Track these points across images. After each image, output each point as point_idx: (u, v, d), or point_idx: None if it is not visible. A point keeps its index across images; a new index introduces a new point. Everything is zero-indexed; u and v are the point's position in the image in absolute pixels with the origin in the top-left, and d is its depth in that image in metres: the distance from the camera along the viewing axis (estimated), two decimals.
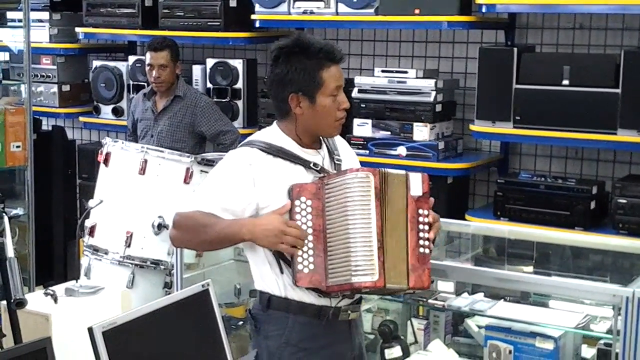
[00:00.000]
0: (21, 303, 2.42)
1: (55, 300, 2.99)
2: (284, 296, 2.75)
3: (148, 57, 5.11)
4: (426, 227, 2.73)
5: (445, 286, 3.58)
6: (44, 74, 6.29)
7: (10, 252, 2.53)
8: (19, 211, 5.40)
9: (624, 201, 4.36)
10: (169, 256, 4.21)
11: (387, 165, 2.90)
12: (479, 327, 3.55)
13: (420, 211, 2.72)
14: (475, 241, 4.13)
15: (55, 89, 6.28)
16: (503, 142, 5.12)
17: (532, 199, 4.61)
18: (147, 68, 5.15)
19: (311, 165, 2.78)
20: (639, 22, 4.76)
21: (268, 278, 2.77)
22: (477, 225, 4.41)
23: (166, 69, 5.06)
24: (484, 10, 4.64)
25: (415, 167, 4.73)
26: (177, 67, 5.13)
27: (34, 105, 5.69)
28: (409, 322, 3.64)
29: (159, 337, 2.39)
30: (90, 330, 2.20)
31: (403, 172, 2.77)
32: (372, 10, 4.97)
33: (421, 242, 2.71)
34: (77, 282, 3.15)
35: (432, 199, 2.78)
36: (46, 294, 3.02)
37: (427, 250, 2.72)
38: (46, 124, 6.48)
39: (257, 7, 5.34)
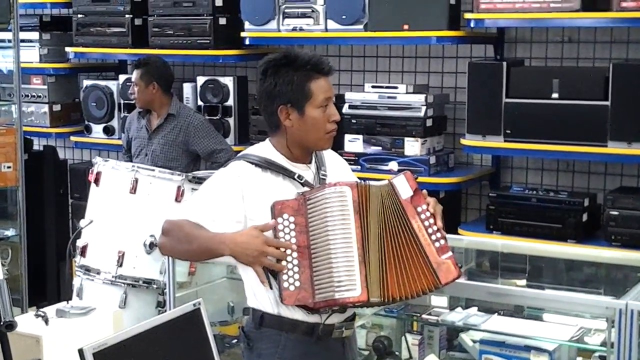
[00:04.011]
0: (11, 325, 2.41)
1: (47, 321, 2.97)
2: (277, 313, 2.74)
3: None
4: (431, 220, 2.69)
5: (439, 301, 3.58)
6: (34, 93, 6.28)
7: (0, 274, 2.51)
8: (11, 232, 5.38)
9: (616, 213, 4.36)
10: (161, 275, 4.20)
11: (380, 181, 2.88)
12: (474, 341, 3.54)
13: (419, 209, 2.70)
14: (468, 255, 4.12)
15: (46, 108, 6.27)
16: (494, 155, 5.13)
17: (525, 212, 4.61)
18: None
19: (295, 177, 2.77)
20: (627, 35, 4.78)
21: (260, 295, 2.76)
22: (470, 239, 4.41)
23: (136, 87, 5.08)
24: (472, 25, 4.67)
25: None
26: (153, 87, 5.06)
27: (25, 126, 5.68)
28: (403, 337, 3.63)
29: (151, 357, 2.38)
30: (80, 351, 2.19)
31: (386, 182, 2.75)
32: (361, 27, 4.98)
33: (433, 237, 2.68)
34: (68, 303, 3.13)
35: (424, 191, 2.75)
36: (37, 316, 3.00)
37: (442, 242, 2.69)
38: (37, 144, 6.46)
39: (247, 25, 5.35)
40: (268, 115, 2.82)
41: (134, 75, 5.10)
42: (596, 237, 4.55)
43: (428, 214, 2.70)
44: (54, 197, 6.19)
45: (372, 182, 2.76)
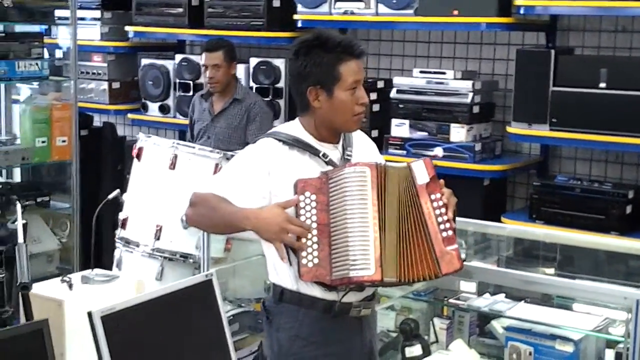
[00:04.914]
0: (26, 287, 2.50)
1: (70, 287, 3.08)
2: (296, 289, 2.78)
3: (203, 58, 5.17)
4: (442, 210, 2.69)
5: (467, 286, 3.57)
6: (94, 71, 6.43)
7: (20, 238, 2.61)
8: (68, 204, 5.53)
9: None
10: (197, 250, 4.26)
11: (400, 163, 2.88)
12: (504, 328, 3.52)
13: (433, 197, 2.70)
14: (507, 243, 4.10)
15: (105, 86, 6.42)
16: (542, 144, 5.07)
17: (568, 202, 4.57)
18: (202, 69, 5.23)
19: (320, 155, 2.80)
20: None
21: (281, 271, 2.80)
22: (511, 227, 4.37)
23: (220, 69, 5.08)
24: (522, 12, 4.61)
25: (452, 169, 4.71)
26: (233, 68, 5.14)
27: (84, 102, 5.80)
28: (431, 321, 3.63)
29: (159, 324, 2.44)
30: (89, 314, 2.26)
31: (404, 164, 2.76)
32: (411, 11, 4.98)
33: (442, 226, 2.68)
34: (92, 270, 3.24)
35: (442, 181, 2.75)
36: (63, 281, 3.11)
37: (450, 232, 2.69)
38: (98, 121, 6.61)
39: (300, 7, 5.40)
40: (298, 96, 2.85)
41: (214, 57, 5.06)
42: None
43: (441, 203, 2.70)
44: (111, 172, 6.31)
45: (391, 164, 2.77)
